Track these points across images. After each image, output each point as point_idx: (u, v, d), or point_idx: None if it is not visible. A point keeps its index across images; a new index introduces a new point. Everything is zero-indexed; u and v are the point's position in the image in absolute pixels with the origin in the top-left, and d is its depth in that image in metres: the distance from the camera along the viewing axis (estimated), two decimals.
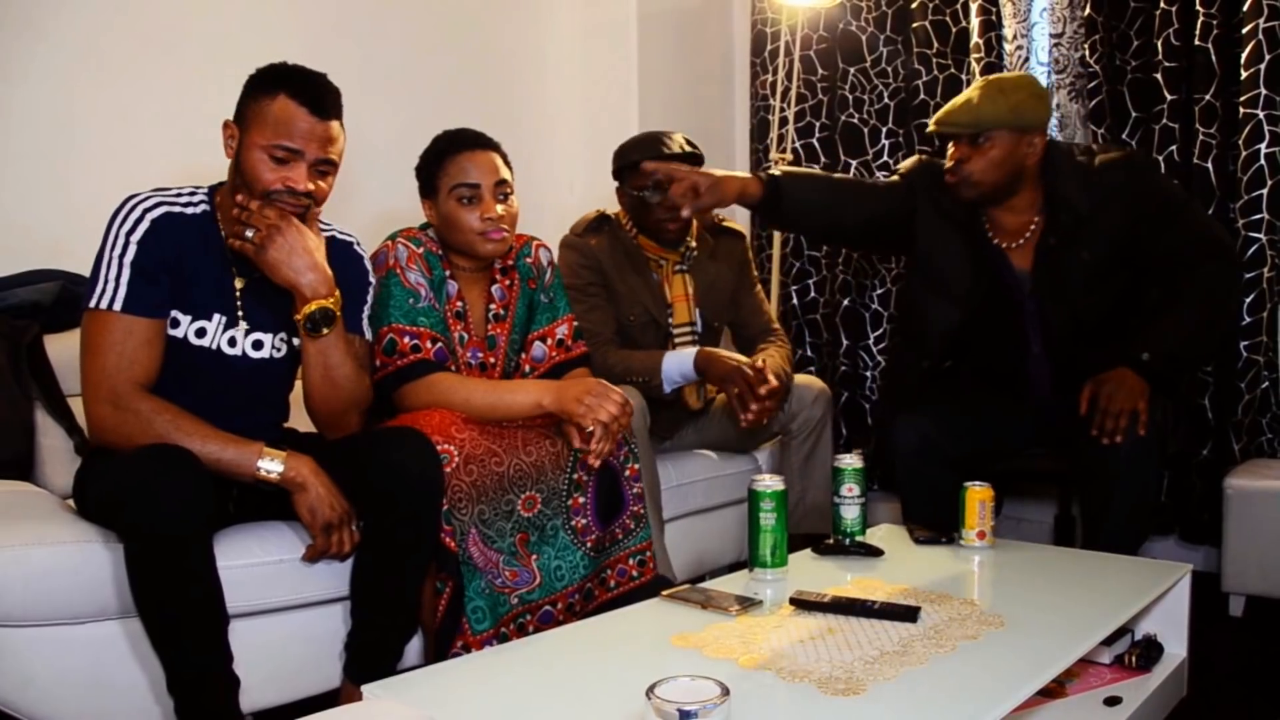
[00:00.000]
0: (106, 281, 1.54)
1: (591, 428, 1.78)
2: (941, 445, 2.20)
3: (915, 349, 2.37)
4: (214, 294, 1.62)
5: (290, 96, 1.58)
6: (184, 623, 1.43)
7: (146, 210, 1.58)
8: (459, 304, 1.98)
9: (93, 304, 1.54)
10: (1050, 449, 2.33)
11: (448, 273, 1.98)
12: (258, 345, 1.68)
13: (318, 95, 1.61)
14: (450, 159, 1.93)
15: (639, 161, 2.33)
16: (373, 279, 1.82)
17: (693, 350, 2.31)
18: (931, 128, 2.24)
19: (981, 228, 2.26)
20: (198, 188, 1.67)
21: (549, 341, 2.07)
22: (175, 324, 1.60)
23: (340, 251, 1.77)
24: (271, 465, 1.56)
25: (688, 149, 2.40)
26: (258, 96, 1.59)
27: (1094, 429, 2.01)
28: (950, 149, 2.21)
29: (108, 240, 1.56)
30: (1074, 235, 2.16)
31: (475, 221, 1.91)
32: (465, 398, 1.82)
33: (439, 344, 1.89)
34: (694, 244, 2.49)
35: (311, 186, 1.62)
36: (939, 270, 2.28)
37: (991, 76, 2.21)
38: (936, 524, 2.01)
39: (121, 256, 1.55)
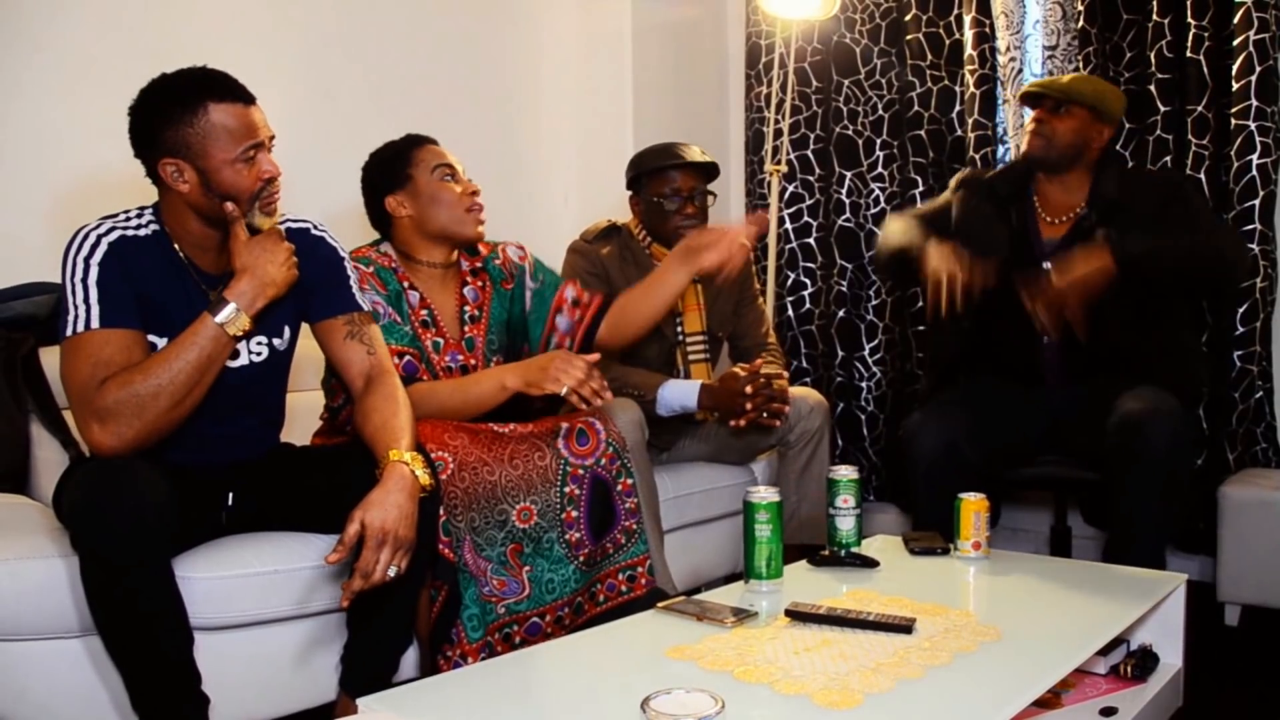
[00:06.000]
0: (75, 308, 1.49)
1: (563, 392, 1.82)
2: (964, 452, 2.21)
3: (953, 317, 2.39)
4: (189, 312, 1.55)
5: (217, 101, 1.53)
6: (142, 643, 1.41)
7: (101, 235, 1.54)
8: (424, 312, 1.99)
9: (68, 332, 1.49)
10: (1062, 449, 2.33)
11: (405, 284, 1.99)
12: (234, 355, 1.63)
13: (232, 86, 1.56)
14: (418, 148, 2.02)
15: (657, 169, 2.38)
16: (344, 252, 1.79)
17: (696, 384, 2.33)
18: (1026, 89, 2.41)
19: (1030, 200, 2.42)
20: (143, 208, 1.63)
21: (564, 309, 2.13)
22: (154, 348, 1.56)
23: (299, 240, 1.71)
24: None
25: (705, 159, 2.43)
26: (182, 118, 1.52)
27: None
28: (1033, 114, 2.39)
29: (67, 269, 1.52)
30: (1109, 218, 2.29)
31: (462, 196, 1.98)
32: (439, 405, 1.86)
33: (407, 357, 1.90)
34: None
35: (279, 168, 1.61)
36: (975, 238, 2.38)
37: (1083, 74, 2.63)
38: (944, 532, 2.00)
39: (85, 280, 1.50)
